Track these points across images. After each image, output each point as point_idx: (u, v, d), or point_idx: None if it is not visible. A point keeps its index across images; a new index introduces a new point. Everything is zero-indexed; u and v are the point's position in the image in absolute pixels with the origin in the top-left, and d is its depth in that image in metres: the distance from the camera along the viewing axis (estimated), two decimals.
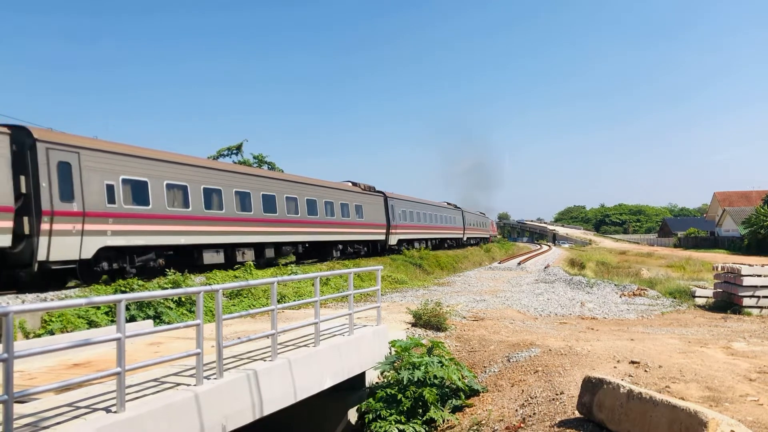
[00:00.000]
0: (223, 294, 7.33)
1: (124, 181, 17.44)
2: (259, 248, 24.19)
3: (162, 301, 14.45)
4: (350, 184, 35.38)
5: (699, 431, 5.50)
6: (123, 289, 14.97)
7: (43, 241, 14.71)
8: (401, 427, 9.00)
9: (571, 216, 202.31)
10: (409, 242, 42.82)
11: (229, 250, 22.22)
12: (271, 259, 25.54)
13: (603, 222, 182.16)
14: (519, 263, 47.55)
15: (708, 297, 21.00)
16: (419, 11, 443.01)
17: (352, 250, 33.93)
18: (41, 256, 14.70)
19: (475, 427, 8.48)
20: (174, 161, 19.93)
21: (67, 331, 12.28)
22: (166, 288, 15.76)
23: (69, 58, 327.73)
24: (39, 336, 11.98)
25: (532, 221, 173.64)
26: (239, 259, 22.69)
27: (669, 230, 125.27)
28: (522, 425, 7.83)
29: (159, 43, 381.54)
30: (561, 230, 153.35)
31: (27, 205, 14.64)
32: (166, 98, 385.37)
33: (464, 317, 16.89)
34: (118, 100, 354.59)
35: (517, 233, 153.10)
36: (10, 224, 14.20)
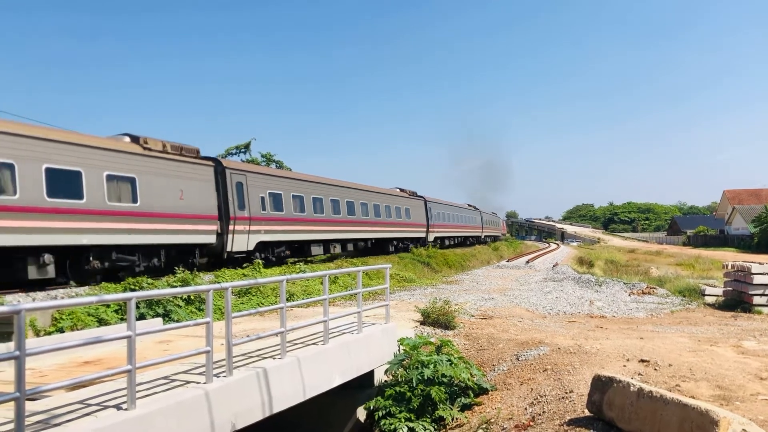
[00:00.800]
0: (232, 292, 7.35)
1: (270, 194, 24.00)
2: (343, 243, 30.81)
3: (171, 299, 14.51)
4: (398, 190, 41.78)
5: (710, 430, 5.47)
6: (132, 287, 15.03)
7: (229, 237, 21.24)
8: (410, 425, 9.01)
9: (579, 214, 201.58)
10: (442, 239, 48.68)
11: (326, 245, 28.62)
12: (349, 252, 31.99)
13: (612, 220, 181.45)
14: (527, 261, 47.43)
15: (718, 295, 20.88)
16: (419, 11, 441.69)
17: (402, 246, 39.42)
18: (228, 248, 21.27)
19: (484, 426, 8.47)
20: (296, 178, 27.07)
21: (78, 329, 12.34)
22: (176, 286, 15.83)
23: (72, 56, 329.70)
24: (49, 334, 12.03)
25: (540, 220, 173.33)
26: (332, 251, 29.39)
27: (678, 228, 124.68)
28: (531, 423, 7.82)
29: (160, 41, 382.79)
30: (569, 228, 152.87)
31: (220, 213, 20.86)
32: (166, 96, 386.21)
33: (473, 315, 16.86)
34: (122, 97, 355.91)
35: (525, 232, 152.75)
36: (215, 227, 20.58)
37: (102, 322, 13.01)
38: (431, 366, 9.88)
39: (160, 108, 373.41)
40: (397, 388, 9.76)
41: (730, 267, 20.15)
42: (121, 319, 13.08)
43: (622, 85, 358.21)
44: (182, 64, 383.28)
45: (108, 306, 13.58)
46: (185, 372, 7.30)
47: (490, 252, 58.54)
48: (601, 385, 7.10)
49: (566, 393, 8.55)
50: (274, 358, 8.17)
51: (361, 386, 10.67)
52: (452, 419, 9.15)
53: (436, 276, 33.17)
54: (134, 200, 17.38)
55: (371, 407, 9.80)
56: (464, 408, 9.52)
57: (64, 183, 15.31)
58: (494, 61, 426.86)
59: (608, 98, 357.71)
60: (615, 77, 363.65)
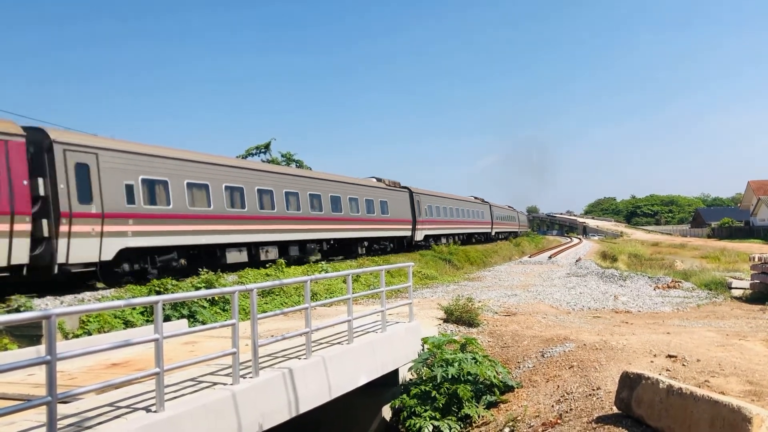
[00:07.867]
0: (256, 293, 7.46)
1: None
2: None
3: (196, 300, 14.60)
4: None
5: (742, 427, 5.39)
6: (158, 289, 15.17)
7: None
8: (436, 423, 8.99)
9: (601, 208, 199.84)
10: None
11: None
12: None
13: (634, 213, 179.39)
14: (550, 257, 47.15)
15: (745, 288, 20.57)
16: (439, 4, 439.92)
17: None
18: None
19: (510, 423, 8.43)
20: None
21: (104, 332, 12.48)
22: (200, 287, 15.95)
23: (97, 63, 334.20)
24: (77, 336, 12.20)
25: (561, 214, 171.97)
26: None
27: (702, 220, 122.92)
28: (559, 421, 7.76)
29: (180, 43, 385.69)
30: (591, 222, 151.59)
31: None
32: (182, 98, 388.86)
33: (496, 312, 16.79)
34: (140, 101, 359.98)
35: (547, 226, 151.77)
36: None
37: (128, 324, 13.15)
38: (456, 364, 9.85)
39: (184, 111, 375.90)
40: (422, 387, 9.74)
41: (757, 259, 19.84)
42: (147, 321, 13.22)
43: (642, 77, 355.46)
44: (203, 66, 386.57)
45: (134, 308, 13.72)
46: (212, 373, 7.36)
47: (511, 248, 58.32)
48: (630, 381, 7.03)
49: (593, 390, 8.48)
50: (299, 359, 8.20)
51: (386, 384, 10.68)
52: (478, 417, 9.11)
53: (457, 273, 33.09)
54: None
55: (396, 406, 9.81)
56: (490, 406, 9.48)
57: None
58: (508, 58, 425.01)
59: (628, 91, 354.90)
60: (635, 69, 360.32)
